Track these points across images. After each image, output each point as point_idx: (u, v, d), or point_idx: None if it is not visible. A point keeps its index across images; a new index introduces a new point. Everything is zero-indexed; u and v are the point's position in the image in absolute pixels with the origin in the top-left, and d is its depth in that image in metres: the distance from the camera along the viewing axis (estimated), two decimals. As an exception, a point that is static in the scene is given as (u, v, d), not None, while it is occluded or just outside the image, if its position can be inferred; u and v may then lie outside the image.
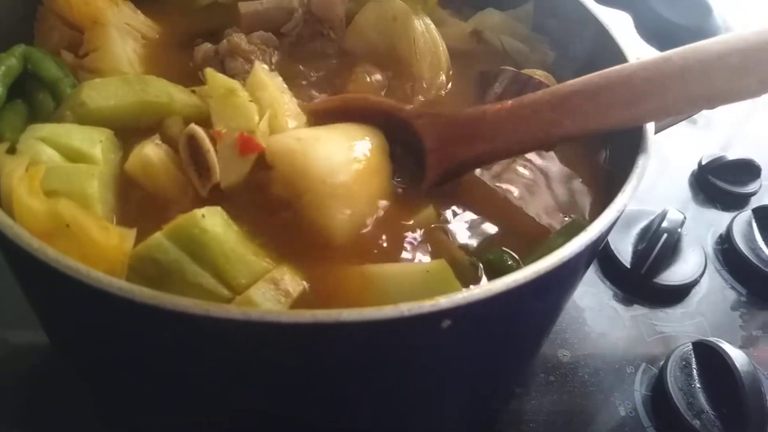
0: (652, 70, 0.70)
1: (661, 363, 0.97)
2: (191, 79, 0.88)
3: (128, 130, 0.78)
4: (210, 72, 0.76)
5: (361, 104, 0.84)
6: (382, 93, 0.91)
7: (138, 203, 0.74)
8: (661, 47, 0.94)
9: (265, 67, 0.83)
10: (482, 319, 0.60)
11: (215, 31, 0.96)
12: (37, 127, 0.72)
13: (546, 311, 0.74)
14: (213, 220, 0.65)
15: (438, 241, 0.75)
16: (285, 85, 0.81)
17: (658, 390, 0.95)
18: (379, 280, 0.67)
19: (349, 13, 0.98)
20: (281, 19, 0.95)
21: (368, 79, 0.91)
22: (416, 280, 0.65)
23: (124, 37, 0.87)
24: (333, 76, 0.94)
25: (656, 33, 0.94)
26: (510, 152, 0.79)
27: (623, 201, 0.67)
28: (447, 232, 0.76)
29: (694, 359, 0.95)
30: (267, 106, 0.76)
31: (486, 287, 0.56)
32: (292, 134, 0.74)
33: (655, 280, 1.08)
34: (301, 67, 0.93)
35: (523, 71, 0.91)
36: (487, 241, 0.77)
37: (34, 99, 0.80)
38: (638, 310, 1.08)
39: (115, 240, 0.62)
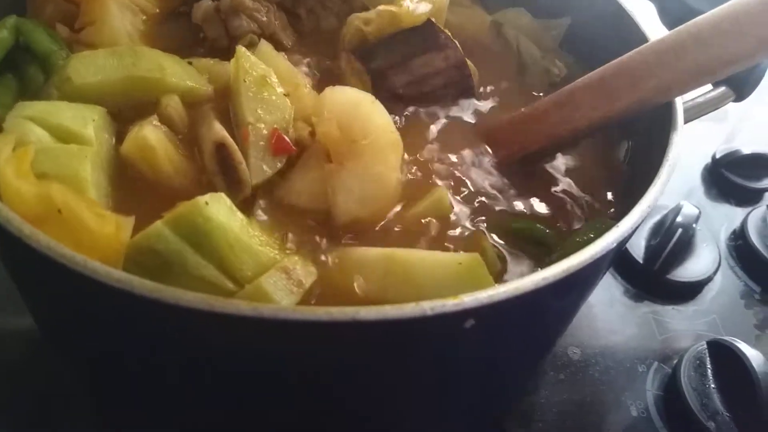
0: (647, 52, 0.72)
1: (674, 362, 0.94)
2: (193, 51, 0.84)
3: (121, 109, 0.73)
4: (242, 52, 0.72)
5: None
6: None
7: (133, 187, 0.69)
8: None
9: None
10: (505, 318, 0.56)
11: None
12: (25, 105, 0.67)
13: (567, 309, 0.71)
14: (217, 208, 0.60)
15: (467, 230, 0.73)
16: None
17: (671, 390, 0.92)
18: (407, 267, 0.64)
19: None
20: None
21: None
22: (448, 272, 0.62)
23: (123, 10, 0.81)
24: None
25: (681, 22, 0.90)
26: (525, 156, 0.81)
27: (654, 196, 0.64)
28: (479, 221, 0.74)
29: (708, 359, 0.92)
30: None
31: (513, 285, 0.53)
32: (350, 88, 0.75)
33: (668, 277, 1.04)
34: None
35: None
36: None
37: (25, 73, 0.74)
38: (650, 307, 1.05)
39: (111, 228, 0.57)
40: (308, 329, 0.48)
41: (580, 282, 0.64)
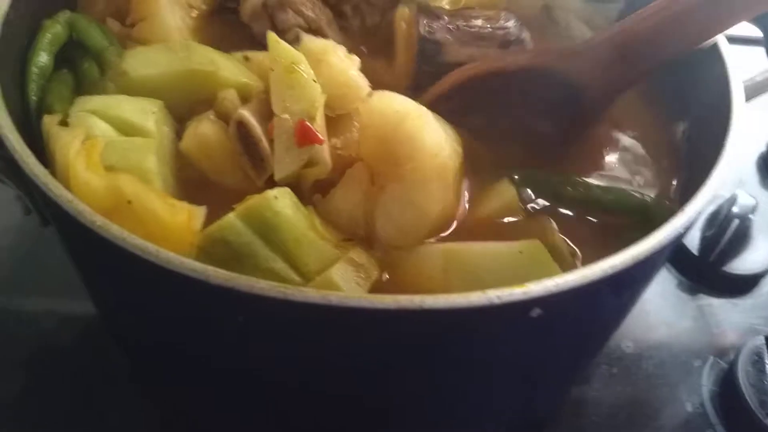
0: None
1: (731, 357, 0.92)
2: (241, 47, 0.82)
3: (177, 104, 0.73)
4: (272, 37, 0.69)
5: (491, 69, 0.79)
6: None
7: (191, 180, 0.70)
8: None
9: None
10: (571, 307, 0.55)
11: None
12: (86, 99, 0.68)
13: (628, 299, 0.69)
14: (284, 202, 0.61)
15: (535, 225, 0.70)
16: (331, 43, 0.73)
17: (727, 385, 0.90)
18: (465, 260, 0.62)
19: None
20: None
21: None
22: (508, 262, 0.61)
23: (173, 6, 0.82)
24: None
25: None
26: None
27: (718, 179, 0.62)
28: (545, 219, 0.71)
29: (766, 354, 0.90)
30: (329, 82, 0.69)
31: (580, 273, 0.52)
32: (396, 96, 0.68)
33: (724, 269, 1.02)
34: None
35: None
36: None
37: (79, 68, 0.76)
38: (705, 300, 1.02)
39: (183, 217, 0.58)
40: (376, 317, 0.48)
41: (646, 269, 0.62)
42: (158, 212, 0.58)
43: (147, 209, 0.58)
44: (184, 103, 0.74)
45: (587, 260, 0.66)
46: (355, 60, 0.72)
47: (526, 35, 0.85)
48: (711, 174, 0.61)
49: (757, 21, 0.84)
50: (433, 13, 0.83)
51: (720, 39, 0.78)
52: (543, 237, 0.67)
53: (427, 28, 0.81)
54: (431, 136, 0.67)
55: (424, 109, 0.69)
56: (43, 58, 0.72)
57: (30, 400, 0.83)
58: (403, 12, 0.84)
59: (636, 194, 0.75)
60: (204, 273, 0.48)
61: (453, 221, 0.71)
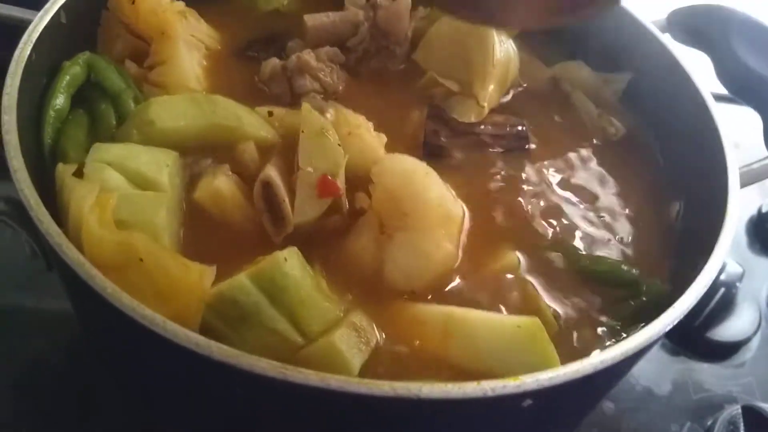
0: None
1: (708, 423, 0.94)
2: (255, 91, 0.87)
3: (195, 153, 0.76)
4: (306, 107, 0.75)
5: None
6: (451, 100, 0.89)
7: (201, 227, 0.72)
8: (741, 96, 0.90)
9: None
10: (562, 398, 0.58)
11: (275, 39, 0.94)
12: (102, 148, 0.69)
13: (617, 381, 0.71)
14: (292, 263, 0.64)
15: (522, 290, 0.74)
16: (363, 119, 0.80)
17: (703, 452, 0.92)
18: (467, 328, 0.66)
19: (418, 31, 0.94)
20: (346, 33, 0.92)
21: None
22: (507, 335, 0.64)
23: (191, 50, 0.84)
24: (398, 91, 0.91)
25: (736, 82, 0.90)
26: None
27: (709, 276, 0.64)
28: (532, 283, 0.75)
29: (742, 424, 0.92)
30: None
31: (573, 368, 0.54)
32: (407, 157, 0.76)
33: (707, 335, 1.04)
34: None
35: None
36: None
37: (96, 110, 0.77)
38: (686, 364, 1.04)
39: (194, 277, 0.59)
40: (372, 402, 0.50)
41: (635, 359, 0.64)
42: (170, 271, 0.59)
43: (159, 267, 0.59)
44: (202, 153, 0.76)
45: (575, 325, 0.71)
46: (383, 138, 0.80)
47: (530, 139, 0.88)
48: (703, 270, 0.64)
49: (757, 108, 0.87)
50: (443, 120, 0.87)
51: (720, 122, 0.81)
52: (530, 300, 0.72)
53: (432, 134, 0.85)
54: (436, 190, 0.74)
55: (431, 169, 0.75)
56: (60, 100, 0.74)
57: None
58: (413, 114, 0.88)
59: (629, 268, 0.77)
60: (208, 348, 0.49)
61: (454, 272, 0.74)
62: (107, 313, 0.54)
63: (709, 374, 1.03)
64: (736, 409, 0.93)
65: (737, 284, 1.06)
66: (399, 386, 0.50)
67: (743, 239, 1.24)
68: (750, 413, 0.92)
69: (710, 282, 0.66)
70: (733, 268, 1.06)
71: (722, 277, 1.05)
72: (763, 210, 1.24)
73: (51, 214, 0.59)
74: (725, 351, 1.05)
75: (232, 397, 0.54)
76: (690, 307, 0.62)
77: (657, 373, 1.02)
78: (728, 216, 0.71)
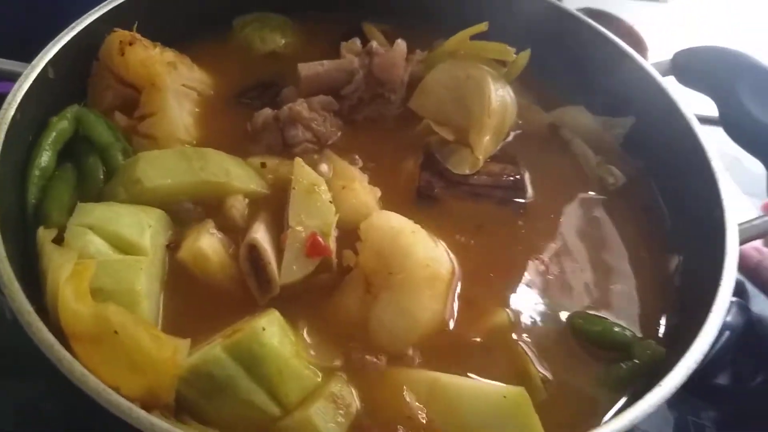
0: None
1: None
2: (248, 137, 0.85)
3: (183, 208, 0.75)
4: (298, 162, 0.76)
5: None
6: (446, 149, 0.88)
7: (186, 288, 0.71)
8: (745, 145, 0.86)
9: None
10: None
11: (271, 84, 0.93)
12: (85, 210, 0.69)
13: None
14: (272, 331, 0.63)
15: (512, 351, 0.72)
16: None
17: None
18: (451, 394, 0.65)
19: (415, 76, 0.93)
20: (341, 81, 0.90)
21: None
22: (492, 404, 0.63)
23: (181, 100, 0.83)
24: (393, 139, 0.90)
25: (741, 129, 0.86)
26: None
27: (700, 352, 0.62)
28: (522, 344, 0.73)
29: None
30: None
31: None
32: (394, 215, 0.75)
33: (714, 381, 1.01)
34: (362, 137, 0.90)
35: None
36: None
37: (84, 163, 0.77)
38: (688, 408, 1.01)
39: (168, 352, 0.59)
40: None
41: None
42: (143, 345, 0.59)
43: (133, 340, 0.59)
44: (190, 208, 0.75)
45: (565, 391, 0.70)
46: (376, 192, 0.80)
47: (527, 189, 0.87)
48: (695, 341, 0.61)
49: (760, 158, 0.83)
50: (437, 170, 0.85)
51: (719, 174, 0.78)
52: (519, 363, 0.71)
53: (426, 185, 0.84)
54: (423, 248, 0.72)
55: (418, 226, 0.74)
56: (45, 158, 0.73)
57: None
58: (408, 163, 0.87)
59: (622, 330, 0.75)
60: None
61: (443, 328, 0.72)
62: (76, 393, 0.54)
63: (712, 419, 1.00)
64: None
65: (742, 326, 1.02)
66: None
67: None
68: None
69: (705, 350, 0.64)
70: (739, 311, 1.03)
71: (728, 318, 1.02)
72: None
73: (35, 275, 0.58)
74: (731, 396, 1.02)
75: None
76: (682, 381, 0.60)
77: (659, 416, 0.99)
78: (724, 278, 0.68)
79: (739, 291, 1.01)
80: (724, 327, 1.01)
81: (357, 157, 0.86)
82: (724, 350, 1.00)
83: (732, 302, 1.02)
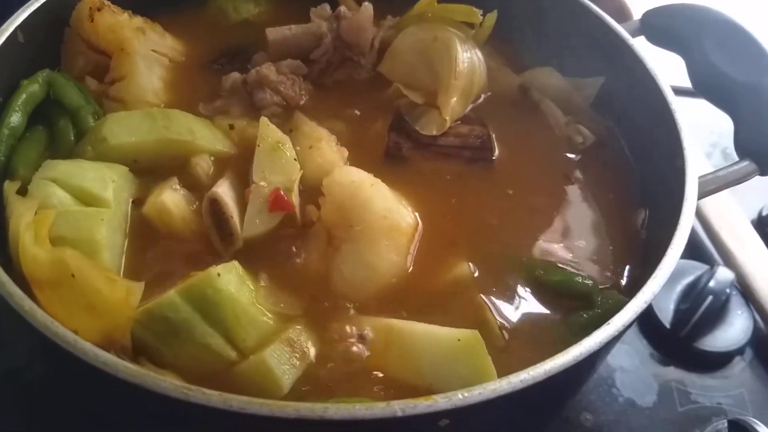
0: None
1: (693, 438, 0.90)
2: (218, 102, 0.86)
3: (149, 167, 0.77)
4: (264, 121, 0.77)
5: None
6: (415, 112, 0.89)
7: (151, 244, 0.73)
8: (713, 100, 0.86)
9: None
10: (483, 417, 0.56)
11: (243, 50, 0.95)
12: (50, 165, 0.71)
13: (560, 396, 0.69)
14: (228, 278, 0.64)
15: (470, 301, 0.73)
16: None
17: (686, 467, 0.88)
18: (407, 339, 0.66)
19: (386, 41, 0.94)
20: (310, 45, 0.92)
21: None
22: (446, 347, 0.64)
23: (151, 64, 0.85)
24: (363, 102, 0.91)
25: (708, 84, 0.86)
26: None
27: (646, 298, 0.62)
28: (482, 294, 0.73)
29: (728, 439, 0.88)
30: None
31: (490, 387, 0.53)
32: (355, 169, 0.77)
33: (696, 344, 0.99)
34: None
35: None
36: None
37: (55, 126, 0.79)
38: (673, 374, 0.99)
39: (121, 294, 0.61)
40: (276, 424, 0.50)
41: (561, 384, 0.62)
42: (98, 287, 0.61)
43: (88, 283, 0.61)
44: (156, 166, 0.77)
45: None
46: (344, 152, 0.81)
47: (495, 150, 0.87)
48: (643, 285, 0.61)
49: (728, 112, 0.83)
50: (405, 132, 0.86)
51: (683, 128, 0.78)
52: (479, 312, 0.71)
53: (394, 146, 0.85)
54: (382, 200, 0.74)
55: (378, 180, 0.76)
56: (15, 118, 0.76)
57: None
58: (377, 125, 0.88)
59: (582, 279, 0.75)
60: (114, 367, 0.50)
61: (405, 282, 0.73)
62: (26, 328, 0.55)
63: (697, 386, 0.98)
64: (722, 423, 0.89)
65: (727, 291, 1.01)
66: (303, 407, 0.50)
67: (746, 241, 1.18)
68: (736, 428, 0.87)
69: (656, 292, 0.63)
70: (724, 275, 1.01)
71: (711, 283, 1.00)
72: (764, 213, 1.18)
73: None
74: (714, 362, 1.01)
75: (143, 416, 0.55)
76: (625, 326, 0.59)
77: (643, 383, 0.98)
78: (680, 226, 0.68)
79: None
80: (707, 291, 1.00)
81: (326, 118, 0.86)
82: (706, 315, 0.99)
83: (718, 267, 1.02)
